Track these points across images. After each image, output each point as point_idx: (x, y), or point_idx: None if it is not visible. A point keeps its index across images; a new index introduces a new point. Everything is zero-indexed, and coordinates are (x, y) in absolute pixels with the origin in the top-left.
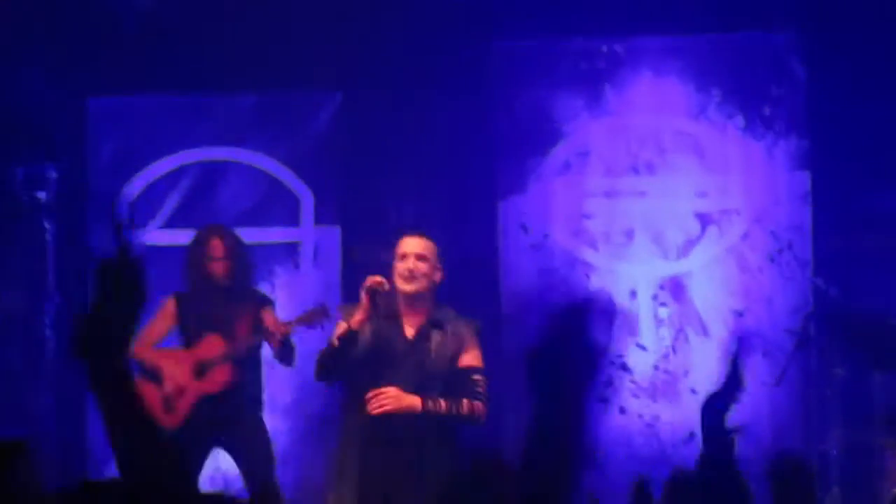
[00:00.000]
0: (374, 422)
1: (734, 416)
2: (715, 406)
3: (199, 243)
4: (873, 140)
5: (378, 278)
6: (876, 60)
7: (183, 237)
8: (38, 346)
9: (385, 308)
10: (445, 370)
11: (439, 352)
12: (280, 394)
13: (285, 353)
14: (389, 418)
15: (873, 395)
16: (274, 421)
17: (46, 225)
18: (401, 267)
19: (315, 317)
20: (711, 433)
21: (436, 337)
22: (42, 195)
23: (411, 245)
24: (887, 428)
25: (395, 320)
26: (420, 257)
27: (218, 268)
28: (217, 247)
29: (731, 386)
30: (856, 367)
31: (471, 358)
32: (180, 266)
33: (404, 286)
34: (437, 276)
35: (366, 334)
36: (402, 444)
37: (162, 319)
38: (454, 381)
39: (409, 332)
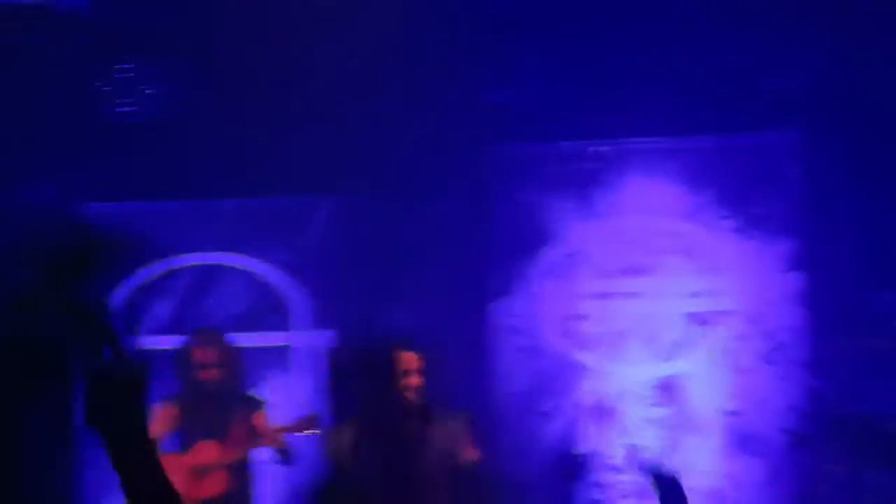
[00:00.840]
0: None
1: None
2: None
3: (191, 348)
4: (865, 240)
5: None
6: (869, 163)
7: (176, 342)
8: None
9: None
10: (446, 466)
11: (439, 449)
12: (270, 495)
13: (285, 455)
14: None
15: (866, 493)
16: None
17: None
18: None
19: (305, 426)
20: None
21: (436, 434)
22: None
23: (413, 361)
24: None
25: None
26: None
27: (209, 373)
28: (207, 352)
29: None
30: (849, 466)
31: (472, 452)
32: (172, 371)
33: (412, 397)
34: None
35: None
36: None
37: (157, 425)
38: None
39: (409, 433)
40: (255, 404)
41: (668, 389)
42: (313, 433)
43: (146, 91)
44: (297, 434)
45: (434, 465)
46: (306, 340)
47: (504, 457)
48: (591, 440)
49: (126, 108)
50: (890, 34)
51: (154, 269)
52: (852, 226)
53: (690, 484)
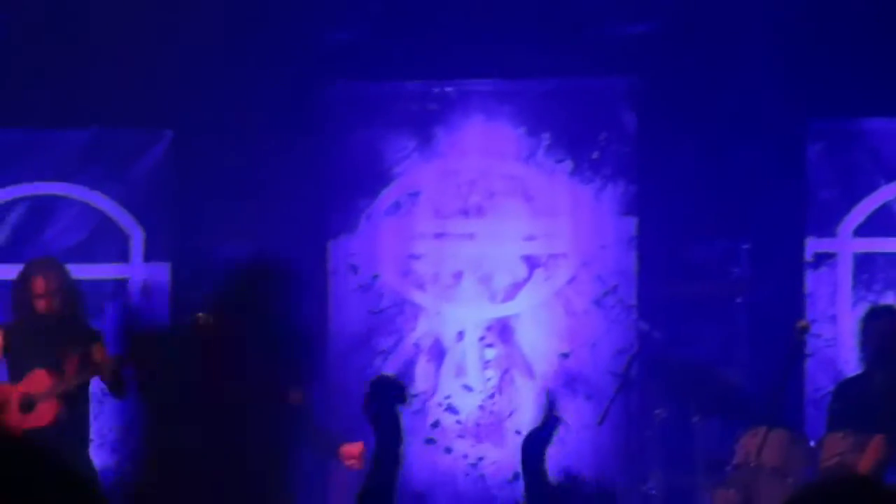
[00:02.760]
0: None
1: (559, 456)
2: (533, 445)
3: (25, 278)
4: (699, 189)
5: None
6: (705, 111)
7: (11, 272)
8: None
9: None
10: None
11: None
12: (107, 429)
13: (118, 386)
14: None
15: (693, 437)
16: (101, 456)
17: None
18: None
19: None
20: (531, 472)
21: None
22: None
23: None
24: (706, 469)
25: None
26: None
27: (44, 304)
28: (43, 282)
29: (548, 425)
30: (677, 410)
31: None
32: (8, 300)
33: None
34: None
35: None
36: None
37: None
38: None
39: None
40: (92, 334)
41: (501, 330)
42: None
43: None
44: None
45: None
46: (143, 273)
47: (339, 396)
48: (428, 379)
49: None
50: None
51: None
52: (686, 173)
53: (520, 425)
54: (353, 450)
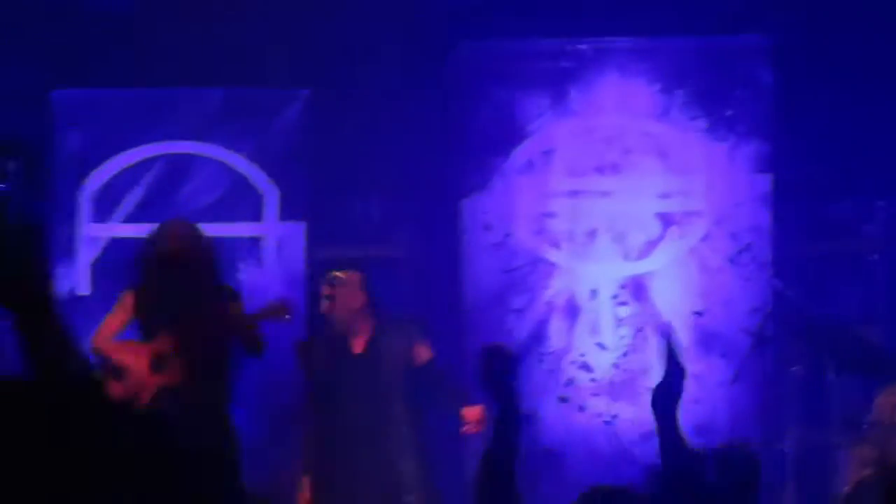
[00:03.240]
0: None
1: (694, 414)
2: (662, 400)
3: (158, 239)
4: (835, 147)
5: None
6: (841, 68)
7: (146, 231)
8: None
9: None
10: (402, 373)
11: (392, 359)
12: (247, 388)
13: (254, 345)
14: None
15: (829, 395)
16: (241, 415)
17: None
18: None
19: (274, 311)
20: (664, 425)
21: (385, 346)
22: (2, 187)
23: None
24: (842, 427)
25: (343, 341)
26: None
27: (178, 265)
28: (177, 244)
29: (674, 377)
30: (813, 368)
31: (425, 353)
32: (141, 260)
33: (351, 317)
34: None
35: (319, 355)
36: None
37: (120, 312)
38: (419, 379)
39: (358, 347)
40: (228, 294)
41: (635, 289)
42: (285, 319)
43: None
44: (268, 320)
45: (394, 374)
46: (278, 232)
47: (473, 354)
48: (561, 338)
49: None
50: None
51: (125, 158)
52: (821, 131)
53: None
54: (471, 413)
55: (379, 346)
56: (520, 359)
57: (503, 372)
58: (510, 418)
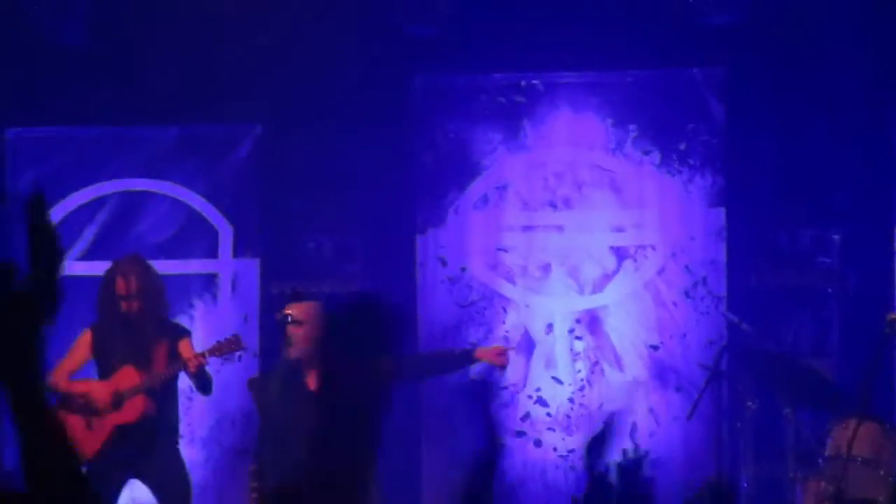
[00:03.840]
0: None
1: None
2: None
3: (110, 280)
4: (789, 179)
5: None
6: (792, 99)
7: (101, 268)
8: None
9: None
10: (359, 411)
11: (349, 396)
12: (197, 425)
13: (202, 382)
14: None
15: (784, 429)
16: (191, 452)
17: None
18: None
19: (228, 347)
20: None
21: (342, 383)
22: None
23: (300, 312)
24: (797, 462)
25: (299, 379)
26: (297, 323)
27: (128, 304)
28: (125, 284)
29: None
30: (767, 402)
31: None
32: (94, 299)
33: (305, 353)
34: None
35: (273, 393)
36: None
37: (78, 350)
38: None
39: (312, 384)
40: (179, 330)
41: (591, 322)
42: (236, 355)
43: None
44: (219, 355)
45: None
46: (232, 268)
47: (429, 388)
48: (517, 372)
49: (55, 32)
50: None
51: (80, 195)
52: (774, 163)
53: (609, 416)
54: (492, 350)
55: (336, 383)
56: (495, 391)
57: (488, 404)
58: (494, 450)
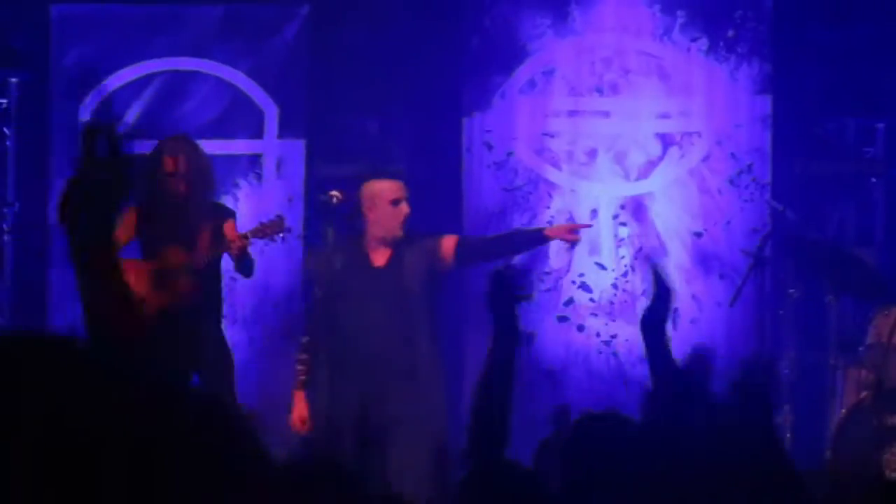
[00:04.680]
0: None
1: (691, 335)
2: (651, 322)
3: (157, 157)
4: (835, 67)
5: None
6: None
7: (145, 147)
8: None
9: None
10: (427, 282)
11: (415, 269)
12: (240, 306)
13: (245, 264)
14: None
15: (826, 316)
16: (233, 332)
17: (6, 131)
18: (397, 212)
19: (272, 229)
20: (653, 351)
21: (407, 258)
22: (3, 102)
23: (399, 190)
24: (838, 349)
25: (363, 254)
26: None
27: (176, 182)
28: (176, 161)
29: (661, 297)
30: (810, 289)
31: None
32: (140, 177)
33: (399, 232)
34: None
35: (336, 267)
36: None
37: (122, 229)
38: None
39: (379, 261)
40: (224, 211)
41: (635, 209)
42: (279, 236)
43: None
44: (261, 237)
45: (418, 285)
46: (277, 149)
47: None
48: (561, 258)
49: None
50: None
51: (125, 74)
52: (821, 51)
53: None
54: (563, 228)
55: (401, 260)
56: (529, 277)
57: (512, 292)
58: (511, 337)
